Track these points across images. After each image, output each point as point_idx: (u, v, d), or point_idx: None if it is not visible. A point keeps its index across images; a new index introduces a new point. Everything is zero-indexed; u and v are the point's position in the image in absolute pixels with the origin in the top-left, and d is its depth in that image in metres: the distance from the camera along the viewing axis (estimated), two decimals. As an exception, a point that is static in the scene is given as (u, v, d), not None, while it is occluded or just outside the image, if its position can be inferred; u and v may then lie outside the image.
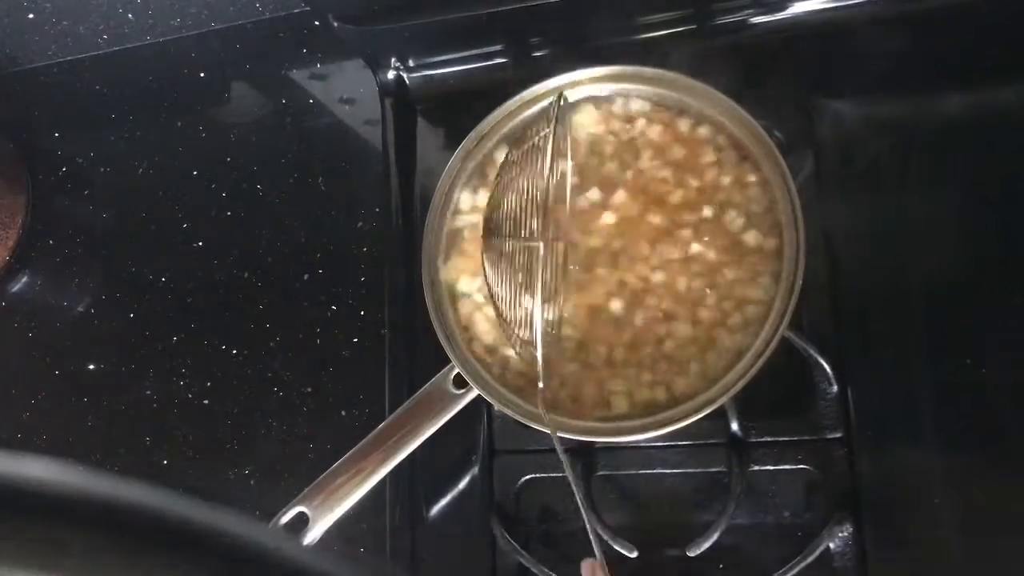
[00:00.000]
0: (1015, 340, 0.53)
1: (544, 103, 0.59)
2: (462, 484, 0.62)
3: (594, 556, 0.47)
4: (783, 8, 0.62)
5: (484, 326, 0.56)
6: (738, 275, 0.54)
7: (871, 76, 0.61)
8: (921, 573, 0.55)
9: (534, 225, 0.47)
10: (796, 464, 0.57)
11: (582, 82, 0.58)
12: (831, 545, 0.55)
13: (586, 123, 0.58)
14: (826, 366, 0.56)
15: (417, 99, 0.70)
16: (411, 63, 0.69)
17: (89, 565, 0.16)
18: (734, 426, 0.57)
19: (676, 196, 0.55)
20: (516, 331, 0.50)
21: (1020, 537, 0.52)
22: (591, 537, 0.47)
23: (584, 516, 0.47)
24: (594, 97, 0.58)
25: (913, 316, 0.56)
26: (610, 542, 0.55)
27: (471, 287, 0.57)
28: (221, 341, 0.71)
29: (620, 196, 0.55)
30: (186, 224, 0.75)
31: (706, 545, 0.54)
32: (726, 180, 0.55)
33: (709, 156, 0.56)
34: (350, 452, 0.54)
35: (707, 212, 0.54)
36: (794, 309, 0.49)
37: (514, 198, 0.49)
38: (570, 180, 0.56)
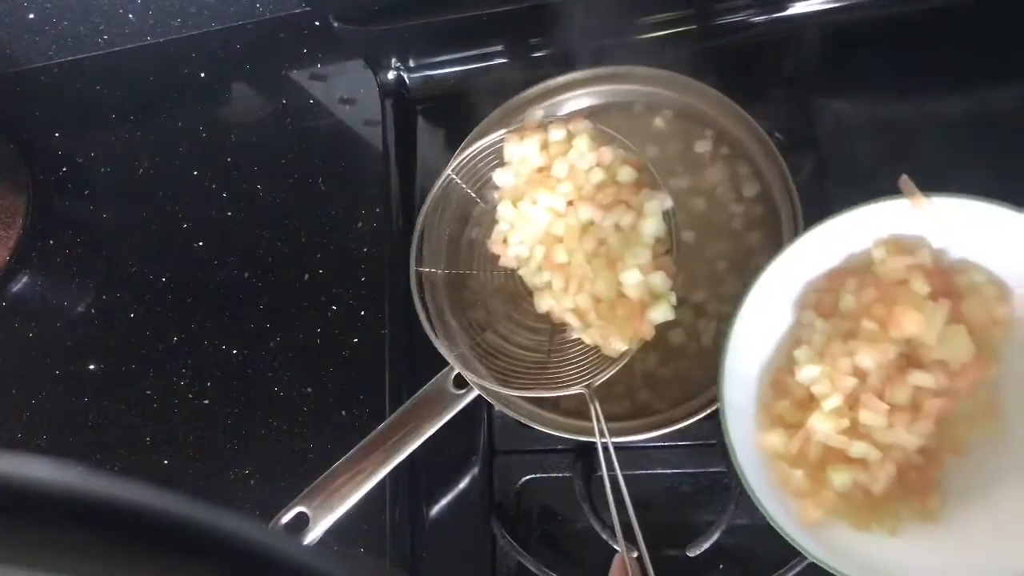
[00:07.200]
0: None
1: (545, 104, 0.59)
2: (462, 484, 0.62)
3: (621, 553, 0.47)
4: (783, 8, 0.62)
5: None
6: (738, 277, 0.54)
7: (871, 76, 0.61)
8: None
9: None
10: (796, 464, 0.57)
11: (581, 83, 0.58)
12: (831, 545, 0.55)
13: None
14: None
15: (417, 99, 0.70)
16: (411, 63, 0.69)
17: (89, 565, 0.16)
18: (734, 426, 0.56)
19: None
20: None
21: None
22: (617, 535, 0.47)
23: (629, 512, 0.47)
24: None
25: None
26: (609, 542, 0.55)
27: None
28: (221, 341, 0.71)
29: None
30: (186, 224, 0.75)
31: (706, 545, 0.54)
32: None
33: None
34: (350, 452, 0.54)
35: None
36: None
37: None
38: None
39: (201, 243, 0.74)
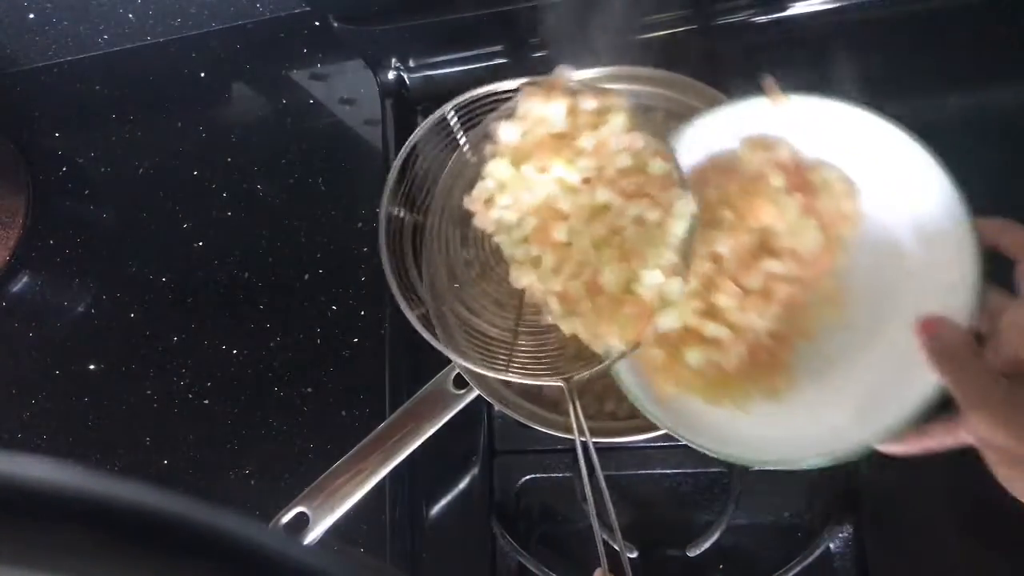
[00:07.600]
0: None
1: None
2: (462, 484, 0.62)
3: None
4: (783, 8, 0.62)
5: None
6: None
7: (871, 76, 0.61)
8: (921, 573, 0.55)
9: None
10: (796, 464, 0.57)
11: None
12: (831, 545, 0.55)
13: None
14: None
15: (417, 99, 0.70)
16: (411, 63, 0.69)
17: (89, 566, 0.16)
18: (734, 426, 0.56)
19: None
20: None
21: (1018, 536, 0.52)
22: (598, 543, 0.47)
23: (611, 515, 0.47)
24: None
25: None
26: (609, 542, 0.55)
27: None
28: (221, 341, 0.71)
29: None
30: (186, 224, 0.75)
31: (706, 545, 0.54)
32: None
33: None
34: (350, 452, 0.54)
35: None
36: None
37: None
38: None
39: (201, 243, 0.74)
